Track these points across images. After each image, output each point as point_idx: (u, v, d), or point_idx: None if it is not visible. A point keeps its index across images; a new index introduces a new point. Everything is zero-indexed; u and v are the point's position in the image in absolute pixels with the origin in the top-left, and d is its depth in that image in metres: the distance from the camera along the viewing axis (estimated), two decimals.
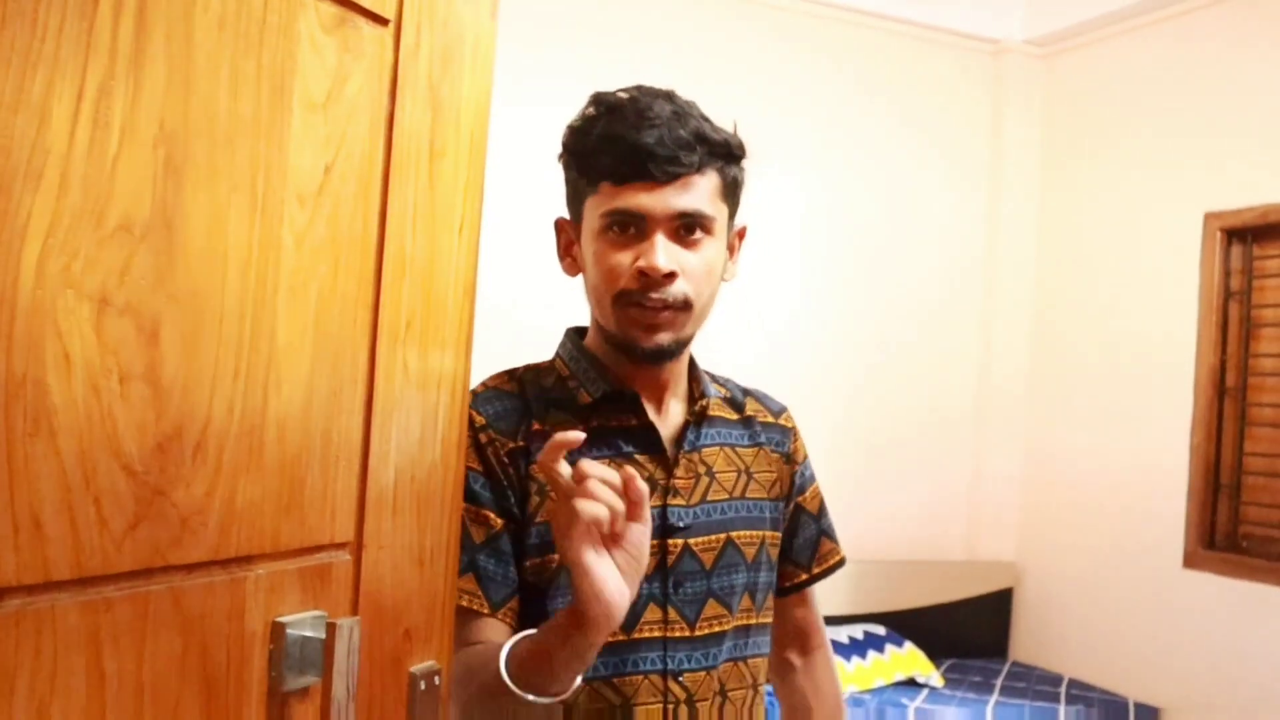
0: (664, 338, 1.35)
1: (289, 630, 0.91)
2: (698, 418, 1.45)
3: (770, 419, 1.56)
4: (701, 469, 1.43)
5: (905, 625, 4.85)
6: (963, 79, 5.22)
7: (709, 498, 1.42)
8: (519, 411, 1.38)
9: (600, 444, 1.38)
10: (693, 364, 1.49)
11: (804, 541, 1.58)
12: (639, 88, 1.38)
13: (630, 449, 1.39)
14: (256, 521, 0.89)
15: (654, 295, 1.33)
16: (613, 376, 1.41)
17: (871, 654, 4.48)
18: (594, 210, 1.37)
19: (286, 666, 0.91)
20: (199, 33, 0.82)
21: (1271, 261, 4.35)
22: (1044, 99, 5.27)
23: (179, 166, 0.80)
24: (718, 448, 1.46)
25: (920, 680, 4.45)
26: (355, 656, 0.92)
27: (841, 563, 1.63)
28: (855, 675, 4.33)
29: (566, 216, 1.43)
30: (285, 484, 0.92)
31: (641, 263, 1.32)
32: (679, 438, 1.43)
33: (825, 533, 1.61)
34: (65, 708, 0.74)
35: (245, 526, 0.88)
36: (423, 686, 1.06)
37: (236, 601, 0.88)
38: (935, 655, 4.78)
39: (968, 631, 5.07)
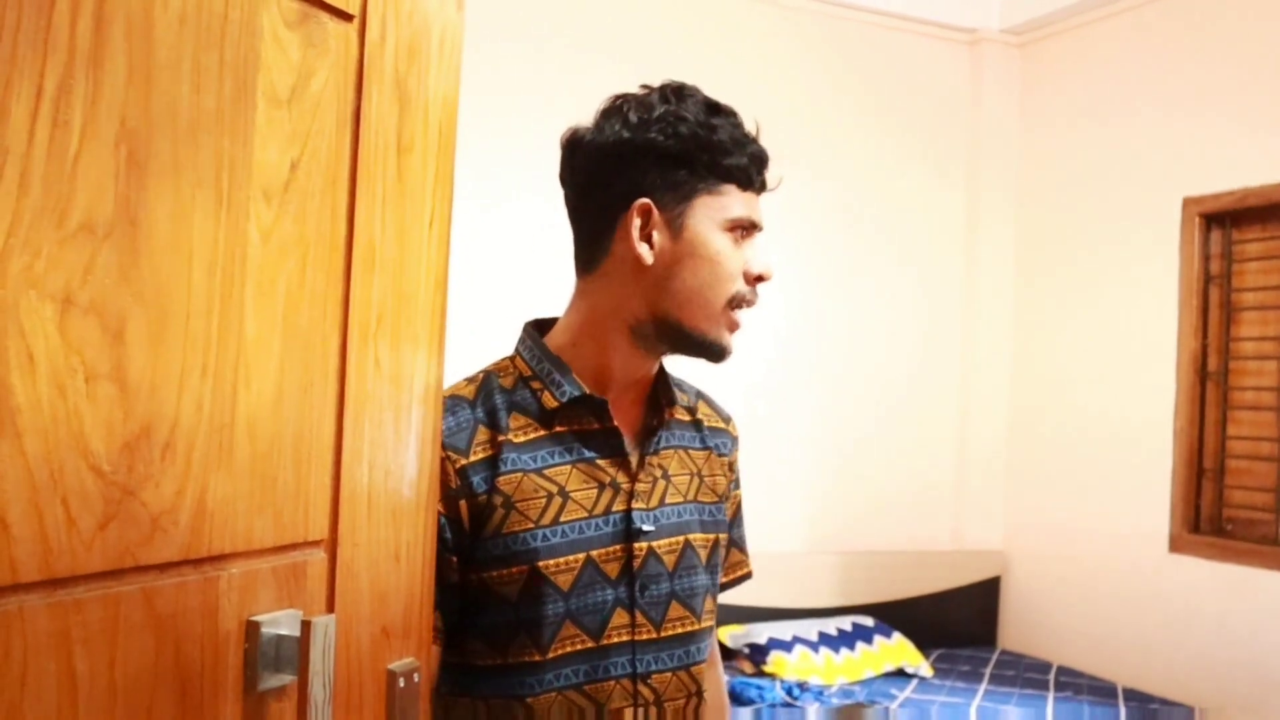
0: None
1: (264, 629, 0.91)
2: (662, 422, 1.45)
3: (720, 424, 1.57)
4: (658, 472, 1.43)
5: (893, 616, 4.86)
6: (940, 69, 5.23)
7: (667, 501, 1.42)
8: (473, 423, 1.35)
9: (561, 448, 1.37)
10: (661, 367, 1.48)
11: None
12: (689, 85, 1.41)
13: (592, 454, 1.38)
14: (229, 520, 0.89)
15: (756, 299, 1.40)
16: (578, 378, 1.39)
17: (860, 645, 4.48)
18: (716, 210, 1.37)
19: (262, 666, 0.91)
20: (159, 29, 0.81)
21: (1250, 245, 4.37)
22: (1021, 88, 5.28)
23: (142, 164, 0.80)
24: (672, 450, 1.46)
25: (909, 671, 4.46)
26: (331, 655, 0.92)
27: (749, 576, 1.63)
28: (844, 667, 4.34)
29: (647, 201, 1.36)
30: (257, 482, 0.91)
31: (761, 269, 1.39)
32: (641, 440, 1.43)
33: (737, 544, 1.62)
34: (36, 710, 0.74)
35: (217, 525, 0.88)
36: (401, 684, 1.05)
37: (210, 601, 0.87)
38: (924, 645, 4.79)
39: (956, 621, 5.08)
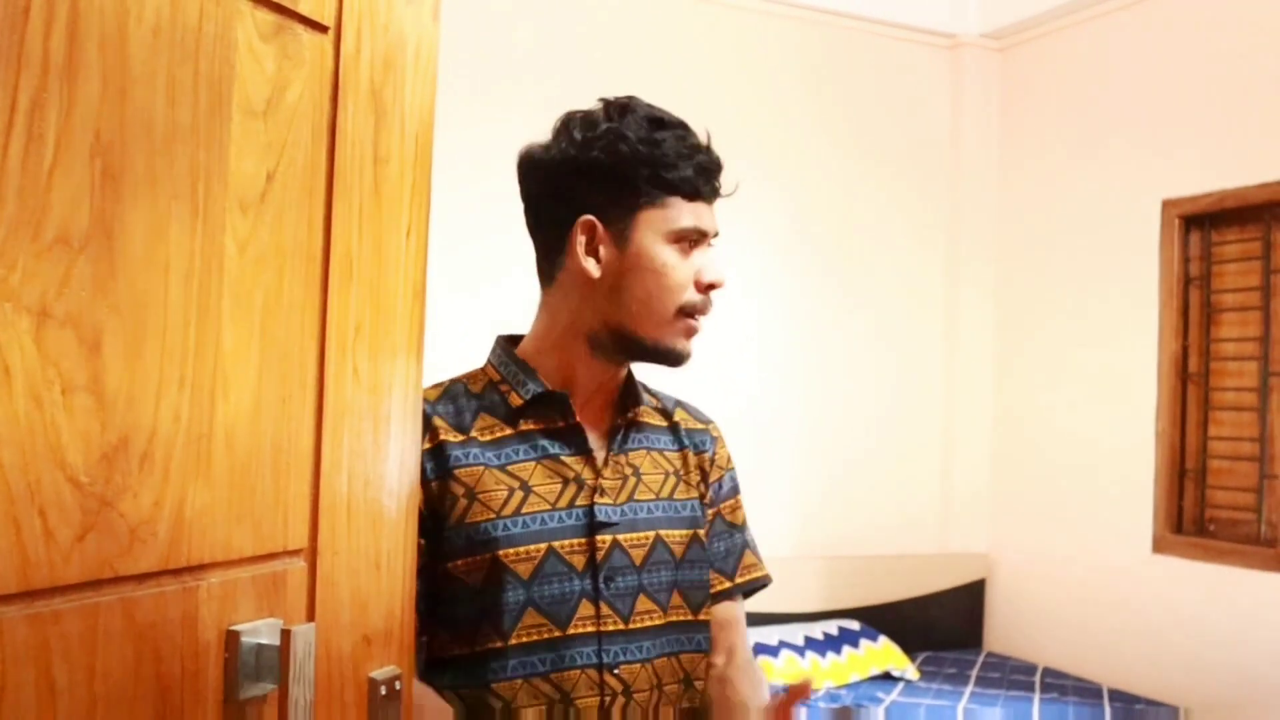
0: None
1: (244, 638, 0.91)
2: (628, 422, 1.50)
3: (698, 425, 1.61)
4: (628, 470, 1.48)
5: (879, 619, 4.87)
6: (920, 74, 5.25)
7: (636, 497, 1.46)
8: (427, 417, 1.39)
9: (526, 445, 1.43)
10: (629, 372, 1.53)
11: (726, 549, 1.59)
12: (636, 99, 1.45)
13: (557, 450, 1.44)
14: (208, 530, 0.89)
15: (710, 307, 1.45)
16: (544, 378, 1.45)
17: (846, 649, 4.49)
18: (660, 222, 1.41)
19: (242, 675, 0.91)
20: (133, 42, 0.81)
21: (1229, 247, 4.40)
22: (1001, 92, 5.30)
23: (117, 176, 0.80)
24: (644, 451, 1.51)
25: (896, 674, 4.47)
26: (312, 663, 0.92)
27: (767, 581, 1.63)
28: (831, 671, 4.34)
29: (590, 217, 1.42)
30: (236, 491, 0.91)
31: (712, 277, 1.43)
32: (609, 439, 1.48)
33: (749, 545, 1.63)
34: None
35: (196, 535, 0.88)
36: (383, 692, 1.06)
37: (189, 611, 0.87)
38: (910, 648, 4.80)
39: (942, 624, 5.10)
